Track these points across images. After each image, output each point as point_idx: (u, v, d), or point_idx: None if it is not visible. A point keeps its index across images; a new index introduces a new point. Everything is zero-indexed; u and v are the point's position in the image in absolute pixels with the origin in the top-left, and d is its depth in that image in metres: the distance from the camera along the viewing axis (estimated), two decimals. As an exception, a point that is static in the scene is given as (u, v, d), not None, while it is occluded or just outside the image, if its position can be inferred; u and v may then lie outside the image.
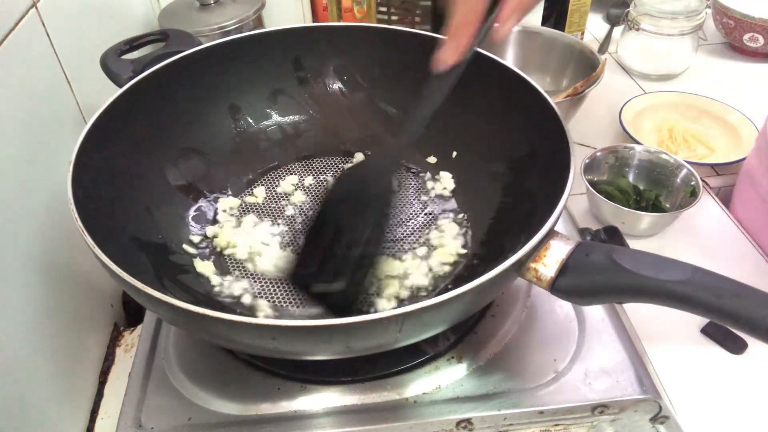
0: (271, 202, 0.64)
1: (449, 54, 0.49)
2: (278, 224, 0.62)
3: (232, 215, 0.63)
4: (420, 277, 0.56)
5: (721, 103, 0.93)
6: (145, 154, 0.59)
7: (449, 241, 0.59)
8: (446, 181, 0.65)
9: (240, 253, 0.58)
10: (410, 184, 0.66)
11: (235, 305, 0.54)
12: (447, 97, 0.50)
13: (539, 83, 0.56)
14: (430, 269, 0.57)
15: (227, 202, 0.63)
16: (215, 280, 0.56)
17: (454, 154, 0.66)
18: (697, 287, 0.38)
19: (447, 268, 0.57)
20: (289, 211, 0.63)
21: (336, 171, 0.68)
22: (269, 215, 0.63)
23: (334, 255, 0.49)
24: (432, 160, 0.67)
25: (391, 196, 0.53)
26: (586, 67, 0.88)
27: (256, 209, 0.64)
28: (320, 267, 0.49)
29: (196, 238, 0.59)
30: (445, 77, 0.50)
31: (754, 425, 0.57)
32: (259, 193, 0.65)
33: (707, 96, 0.95)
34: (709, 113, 0.93)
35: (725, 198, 0.83)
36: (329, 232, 0.50)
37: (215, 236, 0.60)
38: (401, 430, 0.48)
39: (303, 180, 0.67)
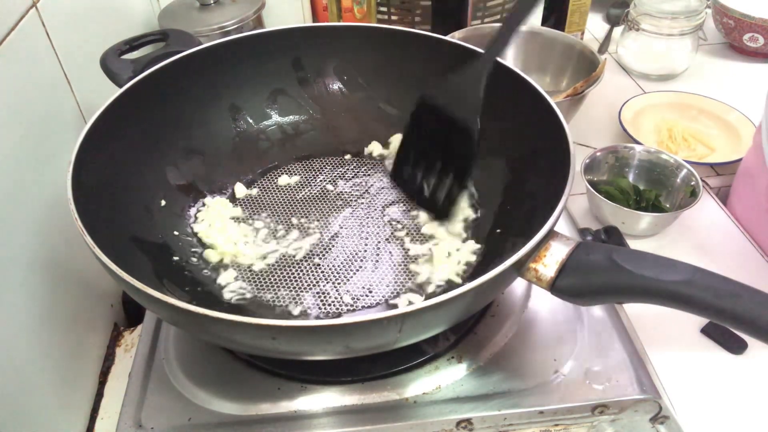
0: (269, 199, 0.65)
1: None
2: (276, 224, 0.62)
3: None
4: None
5: (721, 103, 0.93)
6: (145, 154, 0.59)
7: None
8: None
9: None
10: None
11: (236, 304, 0.54)
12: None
13: (539, 83, 0.56)
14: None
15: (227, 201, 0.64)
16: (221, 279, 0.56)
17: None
18: (697, 288, 0.38)
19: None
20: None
21: (336, 171, 0.68)
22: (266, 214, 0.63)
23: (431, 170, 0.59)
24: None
25: (477, 114, 0.55)
26: (586, 67, 0.88)
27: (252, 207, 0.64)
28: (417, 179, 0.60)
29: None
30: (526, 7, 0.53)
31: (754, 425, 0.57)
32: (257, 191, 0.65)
33: (707, 96, 0.95)
34: (709, 113, 0.93)
35: (725, 197, 0.83)
36: (424, 142, 0.59)
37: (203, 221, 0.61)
38: (401, 430, 0.48)
39: (303, 180, 0.67)
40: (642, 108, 0.94)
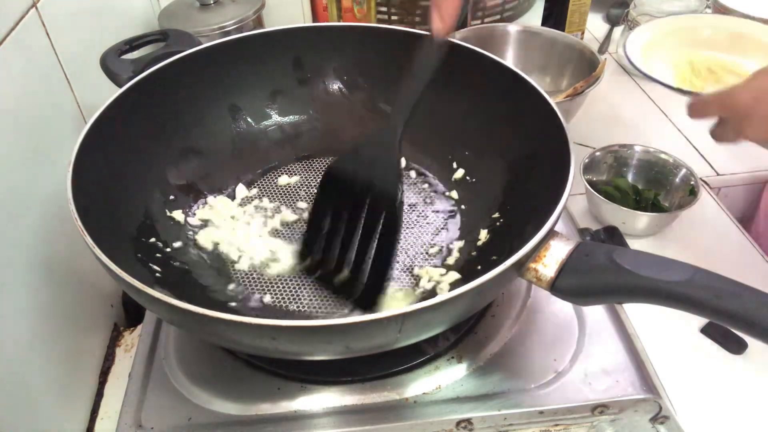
0: (269, 201, 0.65)
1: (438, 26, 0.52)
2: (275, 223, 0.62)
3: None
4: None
5: (761, 21, 0.74)
6: (145, 154, 0.59)
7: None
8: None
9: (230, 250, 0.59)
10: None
11: (236, 304, 0.54)
12: (433, 75, 0.52)
13: (539, 83, 0.56)
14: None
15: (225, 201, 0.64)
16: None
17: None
18: (697, 288, 0.38)
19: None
20: (288, 210, 0.63)
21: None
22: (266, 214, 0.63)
23: (350, 246, 0.51)
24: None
25: (399, 180, 0.51)
26: (586, 67, 0.88)
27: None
28: (333, 258, 0.52)
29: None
30: (430, 57, 0.52)
31: (754, 425, 0.57)
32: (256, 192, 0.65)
33: (742, 12, 0.77)
34: (744, 36, 0.74)
35: (727, 203, 0.82)
36: (336, 219, 0.52)
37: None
38: (401, 430, 0.48)
39: (303, 180, 0.67)
40: (651, 40, 0.77)
